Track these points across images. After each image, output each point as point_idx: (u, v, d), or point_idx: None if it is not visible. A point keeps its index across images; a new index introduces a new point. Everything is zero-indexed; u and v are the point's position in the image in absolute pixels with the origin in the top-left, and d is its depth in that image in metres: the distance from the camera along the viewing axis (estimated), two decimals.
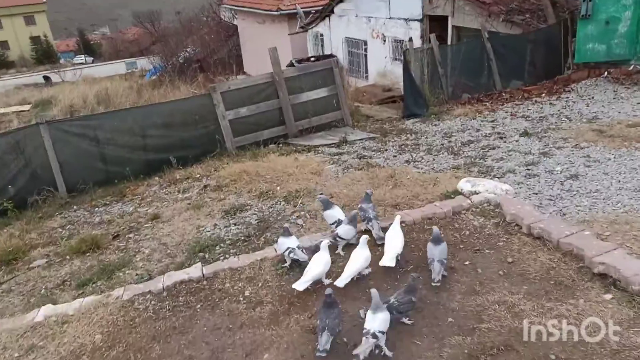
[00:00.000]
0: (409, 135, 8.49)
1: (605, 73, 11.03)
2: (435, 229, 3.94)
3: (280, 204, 5.94)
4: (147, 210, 6.47)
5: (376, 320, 3.02)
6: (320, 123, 9.49)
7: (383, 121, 10.31)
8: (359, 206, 4.55)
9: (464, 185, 5.27)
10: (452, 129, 8.51)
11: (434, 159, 6.97)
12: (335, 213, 4.54)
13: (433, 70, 10.90)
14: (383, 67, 18.51)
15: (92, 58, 58.45)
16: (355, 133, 9.18)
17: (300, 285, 3.65)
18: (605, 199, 4.87)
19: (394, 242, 3.93)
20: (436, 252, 3.74)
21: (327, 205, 4.60)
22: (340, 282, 3.64)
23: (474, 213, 4.68)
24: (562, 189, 5.28)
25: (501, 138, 7.55)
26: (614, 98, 9.02)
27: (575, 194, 5.07)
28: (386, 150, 7.74)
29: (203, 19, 35.50)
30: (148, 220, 6.10)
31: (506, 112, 9.12)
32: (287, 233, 4.19)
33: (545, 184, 5.46)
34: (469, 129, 8.35)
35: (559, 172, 5.69)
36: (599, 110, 8.25)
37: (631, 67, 10.76)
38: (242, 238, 5.23)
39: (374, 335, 2.98)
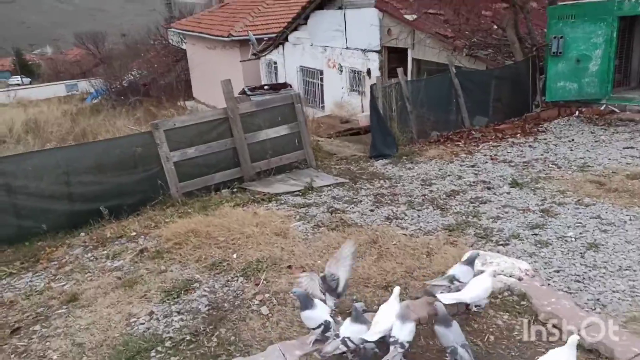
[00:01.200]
0: (382, 182, 7.48)
1: (577, 112, 10.62)
2: (438, 305, 3.17)
3: (237, 279, 4.70)
4: (63, 286, 5.01)
5: (404, 330, 3.04)
6: (280, 164, 8.35)
7: (348, 160, 9.29)
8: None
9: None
10: (429, 175, 7.58)
11: (418, 216, 5.95)
12: (318, 313, 3.35)
13: (402, 106, 10.06)
14: (340, 98, 17.76)
15: (29, 79, 54.75)
16: (321, 177, 8.09)
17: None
18: None
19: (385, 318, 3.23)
20: (451, 336, 3.07)
21: (305, 302, 3.39)
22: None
23: (494, 306, 3.63)
24: (585, 264, 4.36)
25: (489, 188, 6.67)
26: (595, 141, 8.46)
27: (605, 273, 4.16)
28: (360, 201, 6.65)
29: (150, 42, 33.85)
30: (62, 304, 4.66)
31: (485, 155, 8.33)
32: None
33: (562, 256, 4.53)
34: (449, 175, 7.44)
35: (573, 240, 4.81)
36: (585, 156, 7.60)
37: (603, 107, 10.40)
38: (188, 337, 3.92)
39: (402, 345, 2.98)
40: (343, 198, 6.85)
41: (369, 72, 15.99)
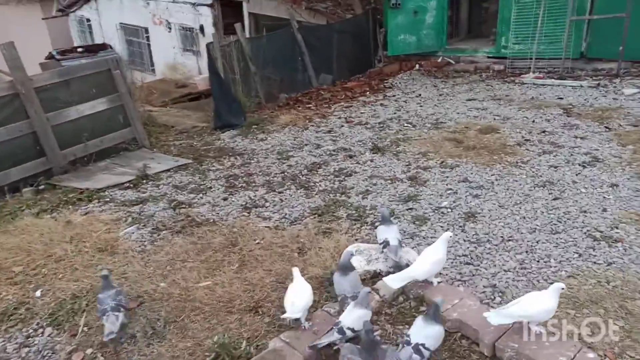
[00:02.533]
0: (233, 160, 6.41)
1: (417, 66, 10.69)
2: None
3: (42, 332, 3.32)
4: None
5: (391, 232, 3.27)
6: (102, 147, 6.74)
7: (189, 134, 7.97)
8: None
9: (353, 260, 3.51)
10: (285, 146, 6.73)
11: (281, 200, 5.08)
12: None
13: (245, 68, 8.92)
14: (172, 59, 15.81)
15: None
16: (157, 159, 6.70)
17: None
18: (530, 252, 3.69)
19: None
20: (345, 285, 3.03)
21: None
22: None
23: (389, 319, 2.97)
24: (469, 239, 3.97)
25: (351, 157, 6.07)
26: (440, 95, 8.46)
27: (490, 249, 3.79)
28: (209, 188, 5.53)
29: None
30: None
31: (339, 118, 7.75)
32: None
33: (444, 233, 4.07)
34: (306, 145, 6.68)
35: (449, 211, 4.42)
36: (435, 112, 7.48)
37: (440, 59, 10.62)
38: None
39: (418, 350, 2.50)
40: (188, 186, 5.64)
41: (202, 29, 14.34)
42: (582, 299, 3.07)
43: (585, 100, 7.19)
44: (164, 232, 4.59)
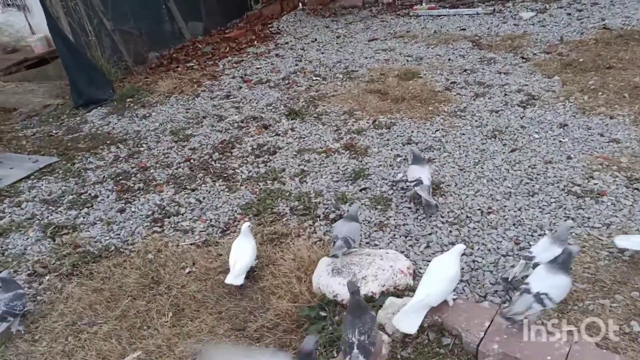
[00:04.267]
0: (115, 150, 5.05)
1: (300, 4, 9.65)
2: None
3: None
4: None
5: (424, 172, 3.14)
6: None
7: (42, 117, 6.27)
8: None
9: (328, 281, 2.72)
10: (178, 122, 5.50)
11: (198, 201, 4.00)
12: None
13: (99, 24, 7.13)
14: None
15: None
16: (8, 162, 5.10)
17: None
18: (519, 225, 3.21)
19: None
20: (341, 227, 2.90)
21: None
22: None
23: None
24: (448, 221, 3.37)
25: (265, 127, 5.09)
26: (337, 37, 7.63)
27: (476, 230, 3.23)
28: (95, 197, 4.22)
29: None
30: None
31: (234, 78, 6.58)
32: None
33: (414, 219, 3.42)
34: (205, 117, 5.51)
35: (411, 186, 3.75)
36: (341, 58, 6.67)
37: None
38: None
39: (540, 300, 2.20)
40: (63, 198, 4.26)
41: None
42: (608, 280, 2.66)
43: (488, 29, 6.90)
44: (47, 277, 3.33)
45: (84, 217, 3.96)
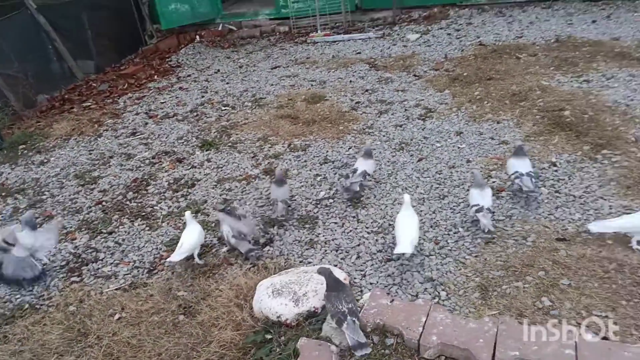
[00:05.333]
0: (13, 201, 4.66)
1: (197, 37, 9.64)
2: None
3: None
4: None
5: (486, 197, 3.32)
6: None
7: None
8: None
9: (270, 304, 2.76)
10: (82, 165, 5.21)
11: (118, 243, 3.82)
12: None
13: None
14: None
15: None
16: None
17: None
18: (435, 227, 3.48)
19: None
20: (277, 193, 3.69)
21: None
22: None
23: None
24: (374, 230, 3.55)
25: (180, 161, 5.00)
26: (240, 67, 7.72)
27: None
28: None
29: None
30: None
31: (137, 114, 6.39)
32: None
33: (344, 237, 3.56)
34: (111, 157, 5.28)
35: (332, 201, 3.88)
36: (247, 87, 6.77)
37: (220, 27, 9.75)
38: None
39: (490, 210, 3.27)
40: None
41: None
42: (518, 265, 2.98)
43: (381, 51, 7.41)
44: None
45: None
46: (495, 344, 2.32)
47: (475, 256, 3.14)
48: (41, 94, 7.57)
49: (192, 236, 3.34)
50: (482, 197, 3.33)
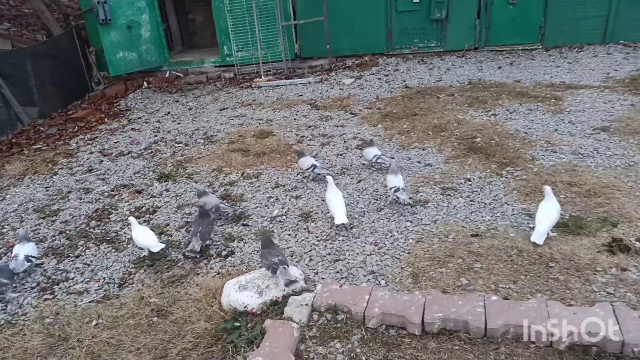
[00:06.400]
0: None
1: (145, 83, 10.08)
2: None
3: None
4: None
5: (400, 180, 4.37)
6: None
7: None
8: None
9: (237, 297, 3.20)
10: (40, 200, 5.42)
11: (86, 264, 4.10)
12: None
13: None
14: None
15: None
16: None
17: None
18: (373, 233, 4.09)
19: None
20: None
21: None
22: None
23: (316, 340, 2.87)
24: (319, 237, 4.10)
25: (139, 192, 5.36)
26: (189, 109, 8.23)
27: (347, 240, 4.01)
28: None
29: None
30: None
31: (91, 153, 6.68)
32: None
33: (297, 245, 4.09)
34: (69, 192, 5.54)
35: (285, 217, 4.41)
36: (199, 127, 7.26)
37: (167, 74, 10.27)
38: None
39: (404, 189, 4.34)
40: None
41: None
42: (442, 256, 3.62)
43: (320, 94, 8.21)
44: None
45: None
46: (424, 310, 2.89)
47: (408, 252, 3.76)
48: None
49: (145, 236, 4.06)
50: (397, 180, 4.34)
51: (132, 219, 4.13)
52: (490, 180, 4.72)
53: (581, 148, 5.15)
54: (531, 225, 3.84)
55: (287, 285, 3.17)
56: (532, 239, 3.64)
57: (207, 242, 4.09)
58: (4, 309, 3.62)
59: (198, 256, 3.94)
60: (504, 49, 9.46)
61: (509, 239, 3.77)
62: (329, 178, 4.28)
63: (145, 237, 4.05)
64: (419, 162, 5.28)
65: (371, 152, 5.10)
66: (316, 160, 5.12)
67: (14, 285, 3.83)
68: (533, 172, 4.77)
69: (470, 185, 4.68)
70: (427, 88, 7.71)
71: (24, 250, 3.97)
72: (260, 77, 9.51)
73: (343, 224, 4.02)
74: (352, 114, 7.08)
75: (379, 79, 8.60)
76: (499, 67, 8.43)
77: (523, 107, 6.44)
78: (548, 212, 3.67)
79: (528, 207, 4.19)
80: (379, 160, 5.04)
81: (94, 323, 3.34)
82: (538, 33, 9.39)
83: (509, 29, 9.40)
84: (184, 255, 3.99)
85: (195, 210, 4.58)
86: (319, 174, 5.00)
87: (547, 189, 3.73)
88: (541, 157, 5.04)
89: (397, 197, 4.32)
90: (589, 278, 3.25)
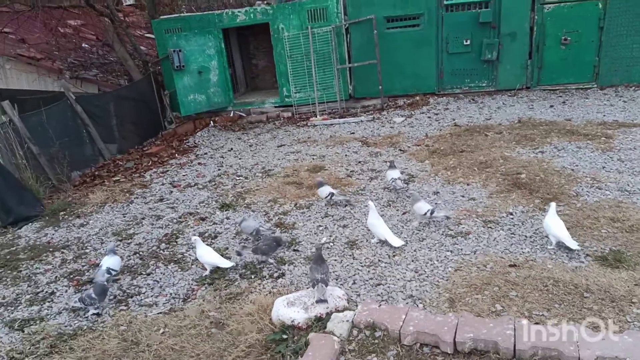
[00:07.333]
0: (61, 255, 5.50)
1: (211, 122, 10.96)
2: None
3: None
4: None
5: (397, 173, 5.79)
6: None
7: None
8: None
9: (285, 312, 3.55)
10: (118, 225, 6.10)
11: (156, 281, 4.62)
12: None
13: (28, 149, 7.68)
14: None
15: None
16: None
17: None
18: (414, 261, 4.34)
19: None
20: None
21: None
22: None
23: (355, 354, 3.15)
24: (364, 264, 4.40)
25: (203, 219, 5.92)
26: (250, 146, 8.89)
27: (391, 264, 4.29)
28: (52, 293, 4.61)
29: None
30: None
31: (162, 185, 7.40)
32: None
33: (342, 270, 4.41)
34: (143, 219, 6.19)
35: (332, 244, 4.75)
36: (257, 162, 7.85)
37: (232, 114, 11.11)
38: None
39: (400, 179, 5.77)
40: (19, 299, 4.60)
41: None
42: (478, 283, 3.82)
43: (371, 132, 8.63)
44: None
45: (47, 310, 4.36)
46: (456, 330, 3.11)
47: (446, 279, 3.98)
48: (75, 171, 8.64)
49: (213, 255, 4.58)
50: (395, 174, 5.71)
51: (196, 237, 4.63)
52: (532, 215, 4.86)
53: (628, 185, 5.17)
54: (570, 257, 3.95)
55: (316, 302, 3.52)
56: (572, 246, 4.07)
57: (262, 257, 4.61)
58: (87, 317, 4.18)
59: (242, 254, 4.73)
60: (556, 88, 9.52)
61: (546, 270, 3.90)
62: (371, 203, 4.70)
63: (211, 255, 4.55)
64: (463, 197, 5.49)
65: (390, 174, 5.88)
66: (333, 189, 5.76)
67: (102, 304, 4.24)
68: (576, 208, 4.85)
69: (512, 219, 4.83)
70: (476, 126, 7.92)
71: (108, 262, 4.58)
72: (316, 116, 10.10)
73: (401, 245, 4.55)
74: (400, 150, 7.41)
75: (429, 117, 8.91)
76: (551, 106, 8.50)
77: (572, 144, 6.51)
78: (559, 223, 4.16)
79: None
80: (394, 184, 5.80)
81: (161, 331, 3.80)
82: (592, 72, 9.39)
83: (562, 69, 9.48)
84: (237, 253, 4.80)
85: (245, 237, 5.21)
86: (338, 201, 5.64)
87: (553, 205, 4.24)
88: (586, 194, 5.11)
89: (395, 186, 5.70)
90: (623, 309, 3.33)
